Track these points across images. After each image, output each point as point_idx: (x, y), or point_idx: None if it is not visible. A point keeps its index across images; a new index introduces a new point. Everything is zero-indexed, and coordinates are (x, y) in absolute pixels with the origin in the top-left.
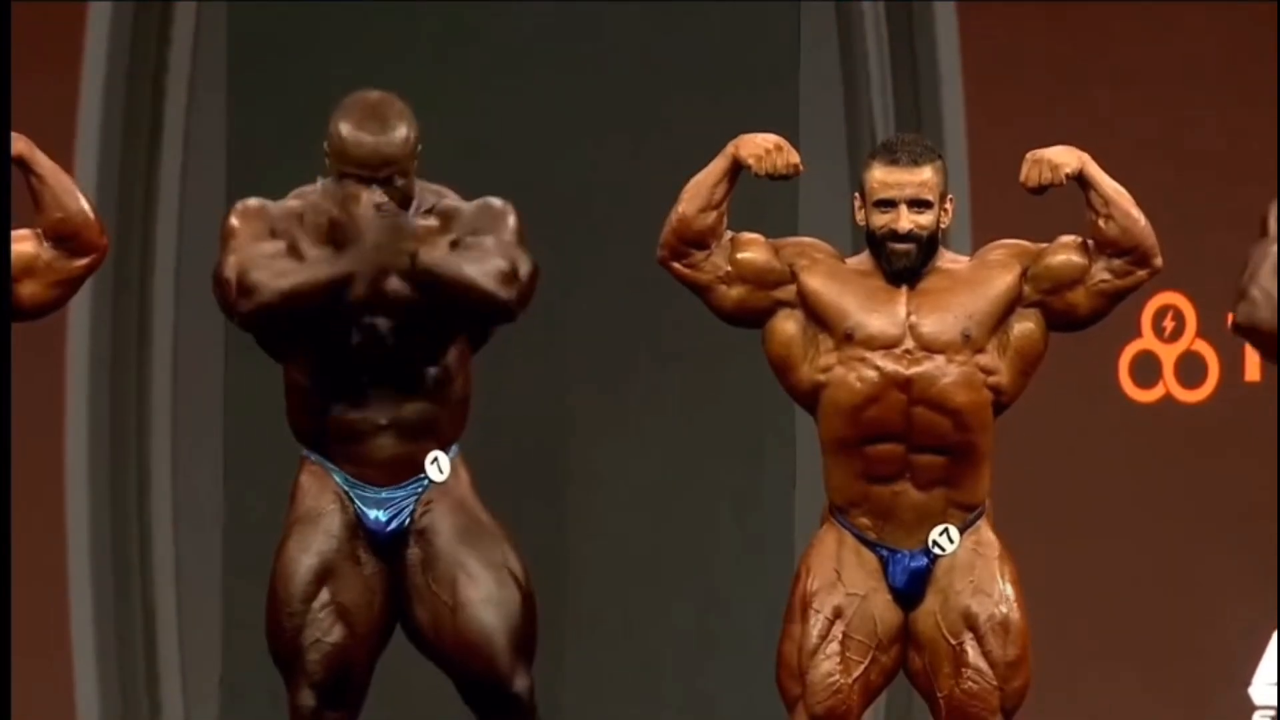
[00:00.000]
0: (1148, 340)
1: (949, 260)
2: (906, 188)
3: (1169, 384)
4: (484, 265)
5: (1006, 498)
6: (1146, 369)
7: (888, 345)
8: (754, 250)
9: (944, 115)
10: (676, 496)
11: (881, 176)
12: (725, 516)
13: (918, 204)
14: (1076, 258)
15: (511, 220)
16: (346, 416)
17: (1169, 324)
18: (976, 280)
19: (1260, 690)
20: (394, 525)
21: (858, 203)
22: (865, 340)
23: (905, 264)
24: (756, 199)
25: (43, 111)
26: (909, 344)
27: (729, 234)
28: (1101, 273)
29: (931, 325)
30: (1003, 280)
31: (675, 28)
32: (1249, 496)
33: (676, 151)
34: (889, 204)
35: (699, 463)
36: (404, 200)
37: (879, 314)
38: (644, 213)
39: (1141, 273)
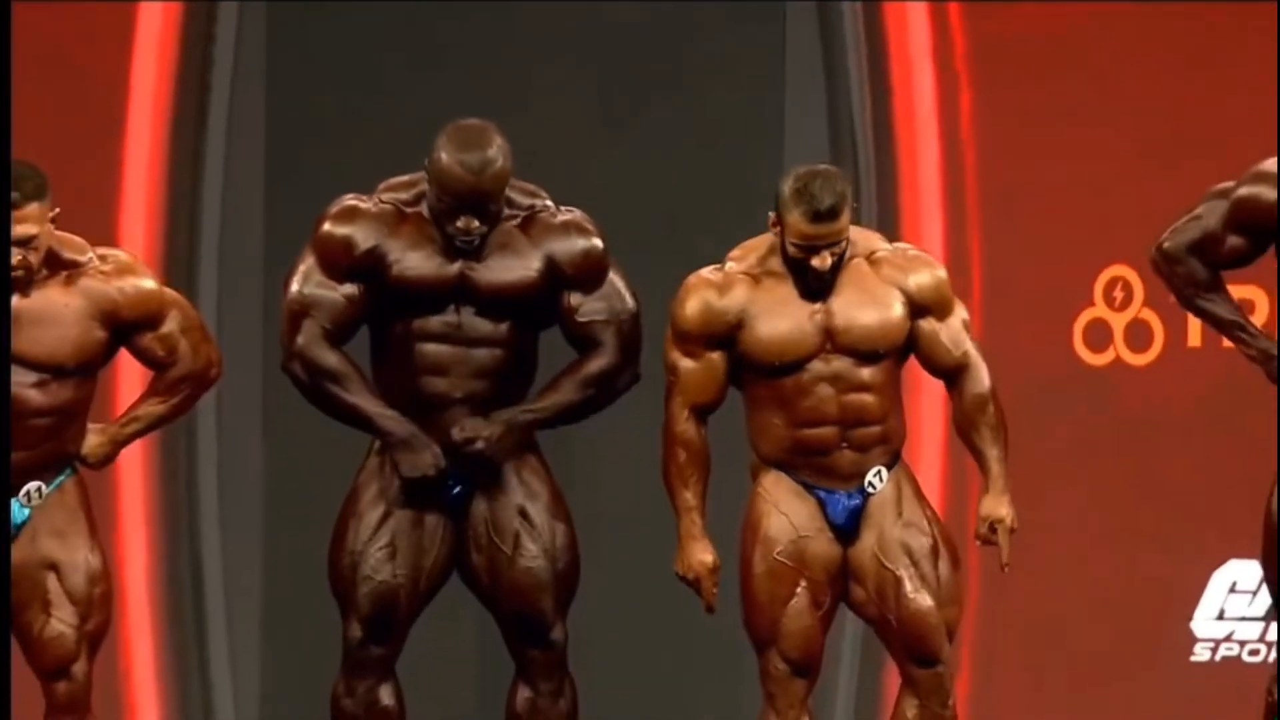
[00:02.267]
0: (1100, 309)
1: (861, 249)
2: (825, 238)
3: (1119, 348)
4: (602, 377)
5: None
6: (1098, 335)
7: (811, 355)
8: (700, 379)
9: (916, 107)
10: (651, 459)
11: (802, 229)
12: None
13: (833, 245)
14: (944, 354)
15: (612, 271)
16: (428, 388)
17: (1119, 294)
18: (881, 301)
19: (1202, 624)
20: (461, 488)
21: (773, 219)
22: (793, 358)
23: (821, 285)
24: (740, 184)
25: (97, 104)
26: (828, 346)
27: (684, 413)
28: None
29: (846, 336)
30: (897, 310)
31: (670, 27)
32: (1190, 449)
33: (671, 146)
34: (808, 249)
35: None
36: (494, 221)
37: (797, 331)
38: (640, 205)
39: None
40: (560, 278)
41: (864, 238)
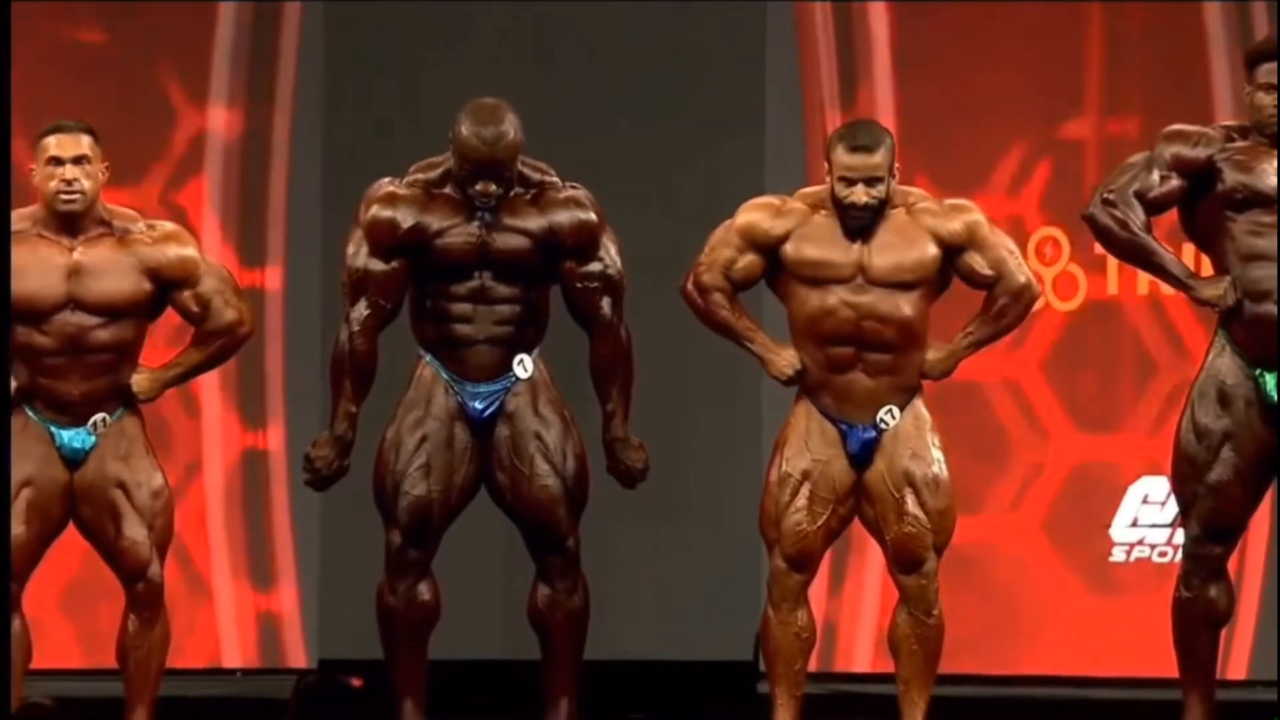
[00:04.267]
0: (1032, 263)
1: (900, 202)
2: (863, 170)
3: (1049, 296)
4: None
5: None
6: None
7: (843, 280)
8: (731, 256)
9: (876, 94)
10: (662, 392)
11: (844, 160)
12: (703, 406)
13: (871, 181)
14: (980, 275)
15: (605, 238)
16: (457, 332)
17: (1049, 250)
18: (915, 242)
19: (1119, 530)
20: (489, 412)
21: (827, 168)
22: (826, 278)
23: (860, 225)
24: (724, 156)
25: (182, 87)
26: (860, 280)
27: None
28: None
29: (879, 270)
30: (929, 250)
31: (659, 27)
32: (1108, 381)
33: (659, 137)
34: (849, 181)
35: (681, 364)
36: (507, 190)
37: (837, 258)
38: (639, 191)
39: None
40: (560, 247)
41: (904, 193)
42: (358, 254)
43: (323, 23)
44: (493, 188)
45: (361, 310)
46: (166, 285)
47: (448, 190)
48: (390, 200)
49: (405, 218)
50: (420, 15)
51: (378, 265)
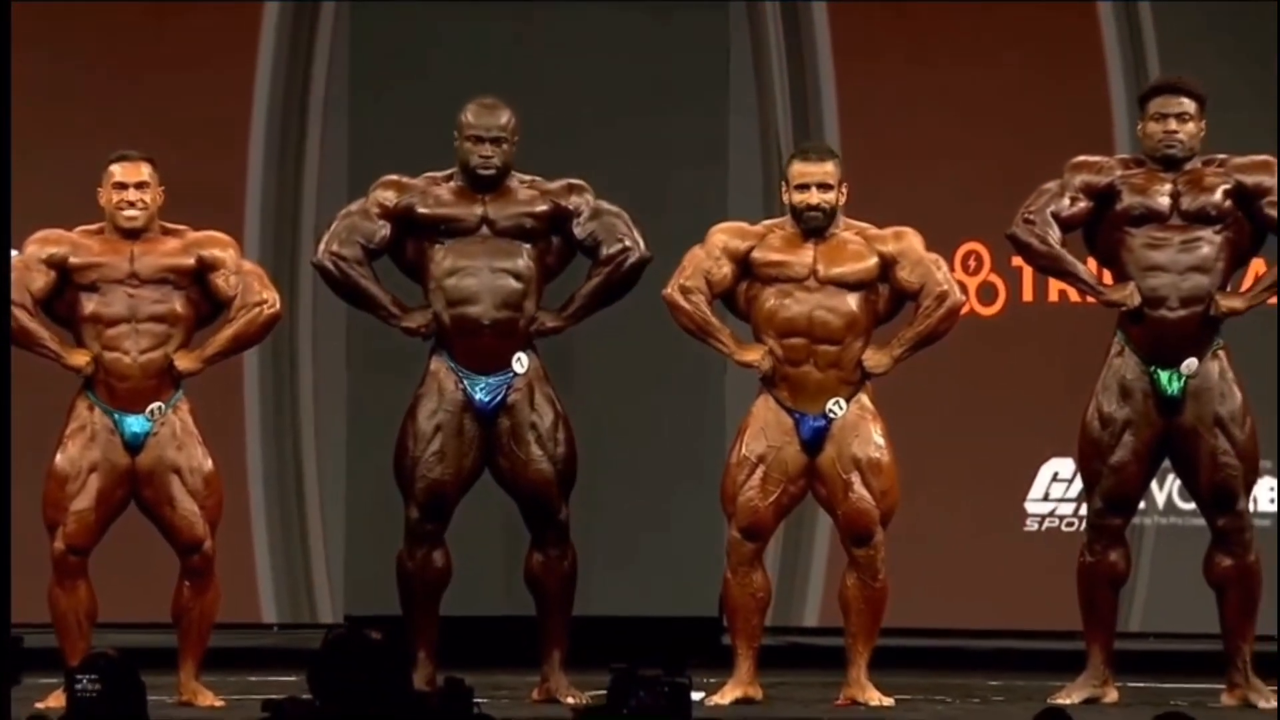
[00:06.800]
0: (958, 274)
1: (845, 227)
2: (815, 175)
3: (973, 303)
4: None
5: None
6: None
7: (798, 279)
8: (706, 265)
9: (821, 85)
10: (640, 385)
11: (799, 168)
12: (675, 398)
13: (823, 186)
14: (908, 283)
15: (604, 203)
16: (466, 313)
17: (972, 262)
18: (859, 255)
19: (1032, 504)
20: (493, 403)
21: (784, 188)
22: (786, 277)
23: (816, 225)
24: (691, 166)
25: (226, 83)
26: (812, 282)
27: (702, 277)
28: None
29: (827, 269)
30: (870, 260)
31: (630, 34)
32: (1024, 375)
33: (637, 137)
34: (804, 187)
35: (657, 363)
36: (504, 162)
37: (793, 260)
38: (620, 177)
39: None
40: (562, 210)
41: (855, 223)
42: (350, 209)
43: (349, 27)
44: (489, 150)
45: (342, 238)
46: (206, 266)
47: (454, 183)
48: (394, 182)
49: (406, 190)
50: (449, 13)
51: (365, 226)
